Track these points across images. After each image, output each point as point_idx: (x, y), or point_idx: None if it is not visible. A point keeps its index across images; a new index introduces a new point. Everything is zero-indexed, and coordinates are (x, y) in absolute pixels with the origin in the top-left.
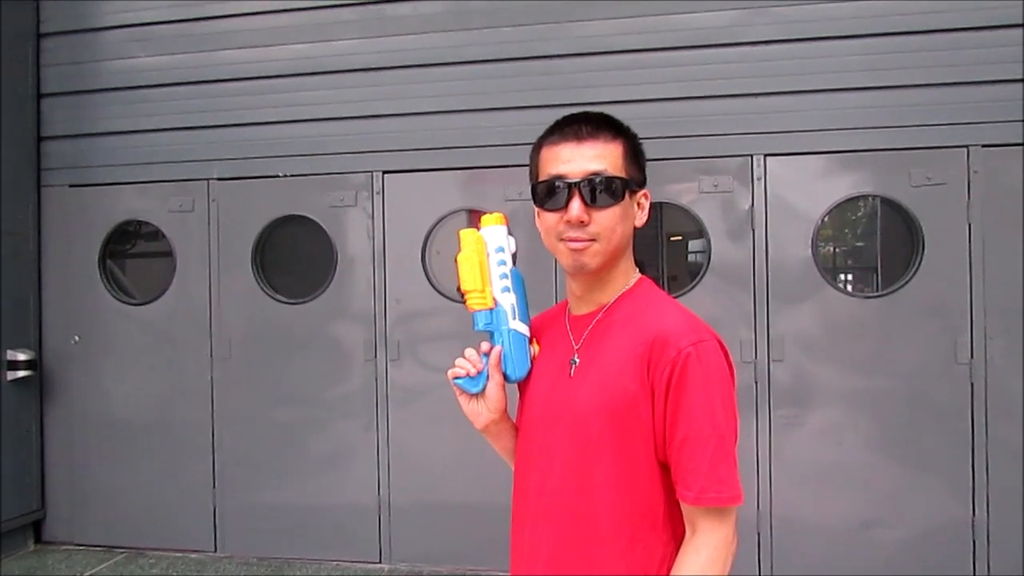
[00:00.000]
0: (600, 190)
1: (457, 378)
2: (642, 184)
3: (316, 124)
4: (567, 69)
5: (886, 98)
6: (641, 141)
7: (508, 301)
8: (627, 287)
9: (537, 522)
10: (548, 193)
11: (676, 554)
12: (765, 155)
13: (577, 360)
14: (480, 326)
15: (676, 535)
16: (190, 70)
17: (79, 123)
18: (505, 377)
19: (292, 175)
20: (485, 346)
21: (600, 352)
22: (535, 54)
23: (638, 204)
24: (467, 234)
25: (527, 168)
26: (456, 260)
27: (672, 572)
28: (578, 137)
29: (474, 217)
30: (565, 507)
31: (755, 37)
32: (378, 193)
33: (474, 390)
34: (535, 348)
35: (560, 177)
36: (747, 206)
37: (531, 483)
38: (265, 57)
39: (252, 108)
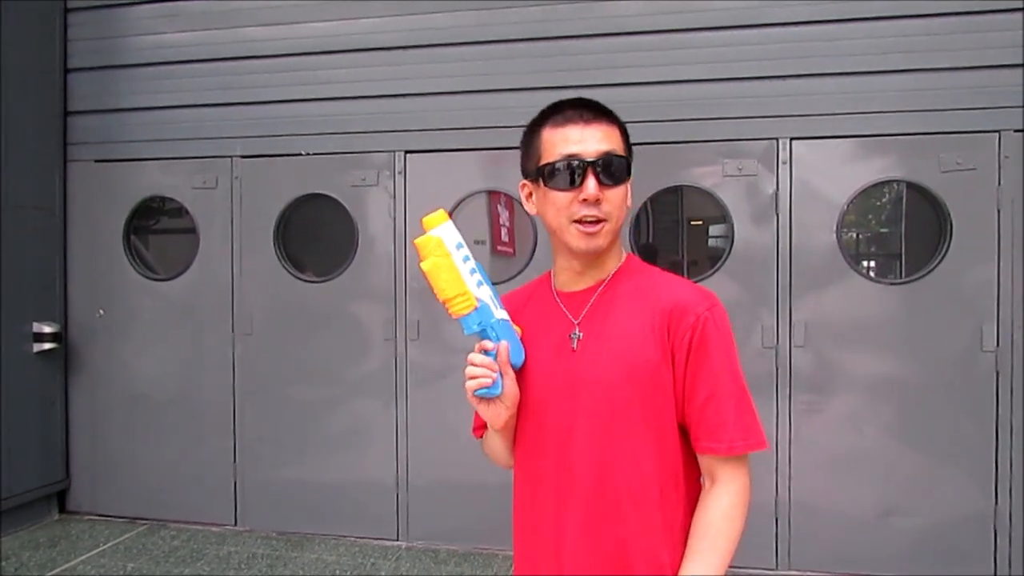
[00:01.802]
0: (612, 169)
1: (480, 390)
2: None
3: (339, 103)
4: (591, 49)
5: (915, 81)
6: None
7: (486, 294)
8: (620, 263)
9: (562, 497)
10: (560, 172)
11: (693, 508)
12: (791, 138)
13: (580, 334)
14: (472, 329)
15: (691, 491)
16: (215, 47)
17: (105, 99)
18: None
19: (315, 153)
20: (489, 344)
21: (610, 324)
22: (559, 34)
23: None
24: (425, 241)
25: (520, 153)
26: (424, 271)
27: (697, 519)
28: (584, 119)
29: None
30: (592, 478)
31: (782, 18)
32: (400, 173)
33: (496, 393)
34: (518, 329)
35: (575, 156)
36: (771, 190)
37: (547, 459)
38: (290, 35)
39: (276, 86)
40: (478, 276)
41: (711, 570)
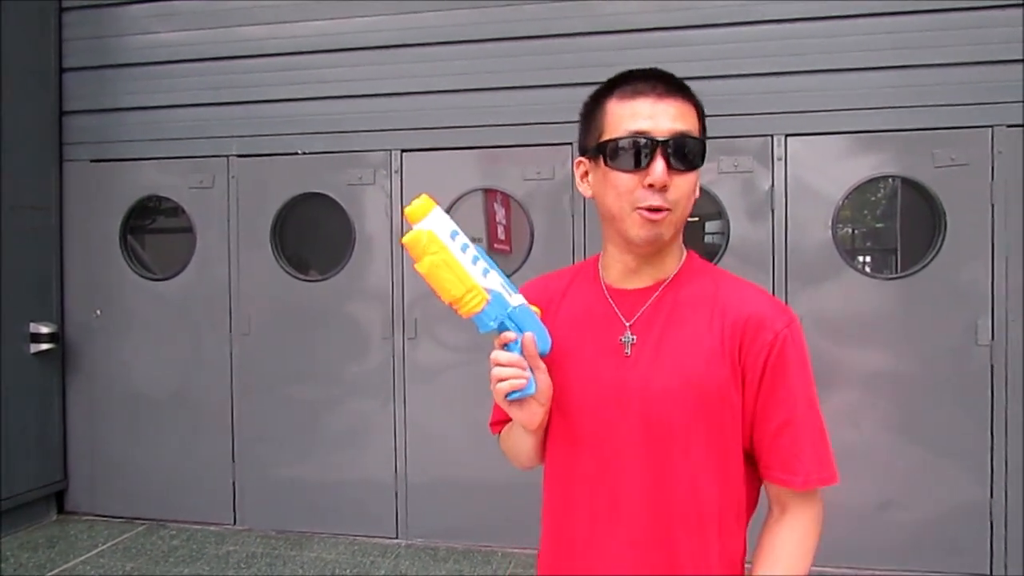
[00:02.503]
0: (684, 152)
1: (513, 392)
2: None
3: (335, 102)
4: (587, 47)
5: (909, 77)
6: None
7: (496, 282)
8: (681, 262)
9: (603, 511)
10: (625, 151)
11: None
12: (786, 135)
13: (633, 338)
14: (489, 327)
15: (747, 525)
16: (211, 46)
17: (101, 98)
18: None
19: (311, 152)
20: (511, 335)
21: (672, 332)
22: (555, 32)
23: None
24: (417, 237)
25: (579, 127)
26: (422, 274)
27: (766, 548)
28: (657, 93)
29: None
30: (644, 498)
31: (777, 16)
32: (396, 172)
33: (531, 392)
34: (536, 309)
35: (643, 134)
36: (767, 187)
37: (584, 468)
38: (285, 34)
39: (272, 85)
40: (482, 263)
41: None
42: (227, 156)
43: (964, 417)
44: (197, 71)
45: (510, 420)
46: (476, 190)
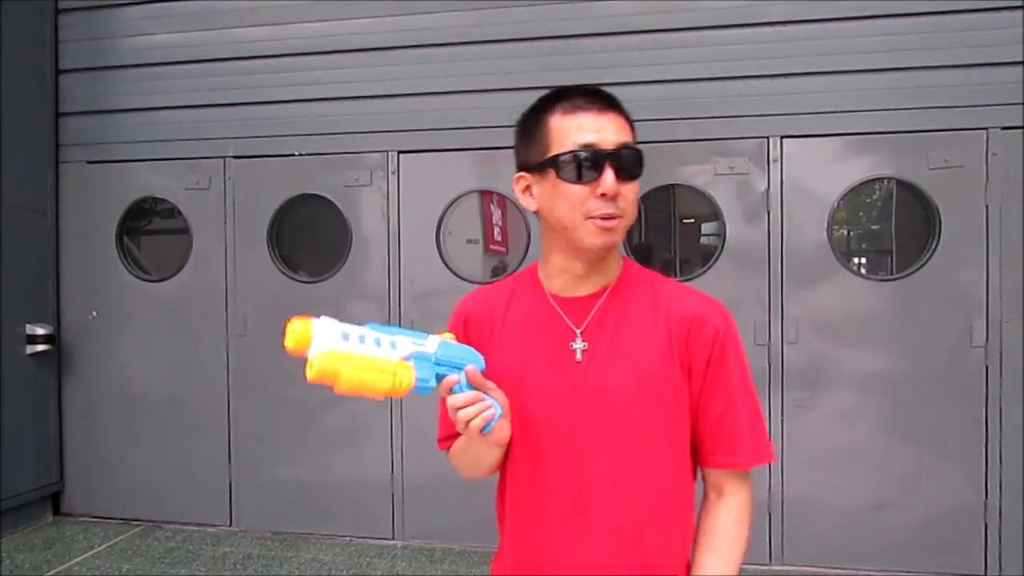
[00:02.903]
0: (631, 162)
1: (488, 423)
2: None
3: (332, 103)
4: (584, 49)
5: (904, 80)
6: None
7: (406, 345)
8: (620, 266)
9: (572, 512)
10: (577, 164)
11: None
12: (782, 137)
13: (584, 344)
14: (429, 388)
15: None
16: (207, 48)
17: (97, 100)
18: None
19: (308, 154)
20: (451, 379)
21: (622, 335)
22: (552, 34)
23: None
24: (319, 367)
25: (516, 144)
26: (347, 393)
27: (707, 530)
28: (597, 108)
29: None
30: (611, 497)
31: (773, 17)
32: (393, 173)
33: (500, 413)
34: (450, 336)
35: (592, 146)
36: (763, 188)
37: (550, 473)
38: (281, 35)
39: (269, 86)
40: (386, 339)
41: None
42: (223, 158)
43: (959, 418)
44: (193, 73)
45: (459, 435)
46: (472, 191)
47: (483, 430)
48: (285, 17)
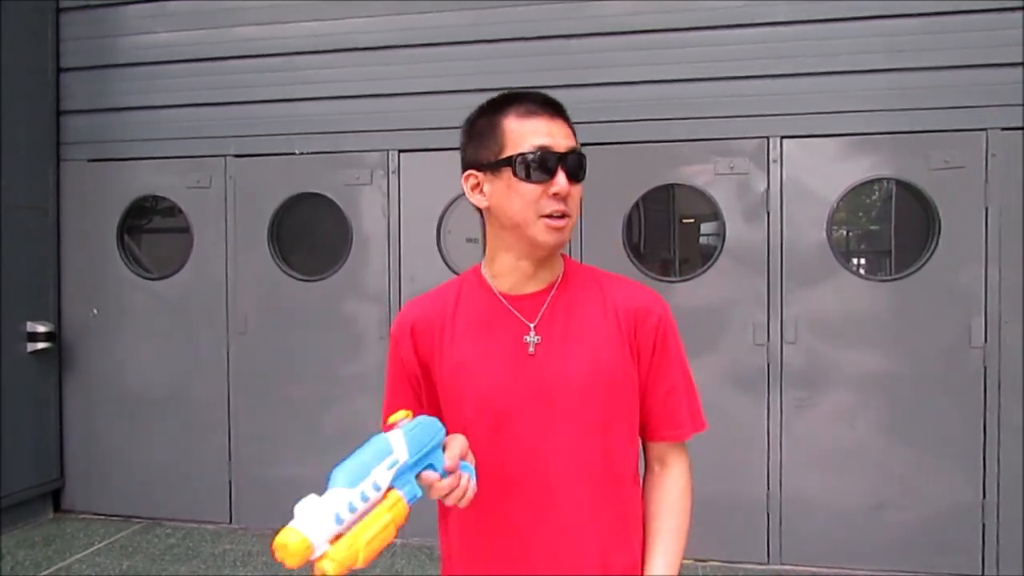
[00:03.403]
0: (579, 165)
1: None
2: None
3: (333, 102)
4: (583, 49)
5: (904, 80)
6: None
7: (382, 473)
8: (563, 263)
9: (543, 503)
10: (533, 165)
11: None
12: (782, 137)
13: (538, 338)
14: (419, 494)
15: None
16: (208, 46)
17: (98, 98)
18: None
19: (308, 153)
20: (430, 477)
21: (574, 326)
22: (551, 33)
23: None
24: (336, 560)
25: (464, 143)
26: (367, 562)
27: (661, 500)
28: (548, 113)
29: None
30: (576, 480)
31: (773, 18)
32: (393, 172)
33: (472, 473)
34: (403, 414)
35: (547, 149)
36: (763, 188)
37: (516, 468)
38: (283, 34)
39: (269, 85)
40: (366, 487)
41: (682, 545)
42: (224, 156)
43: (958, 418)
44: (194, 71)
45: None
46: None
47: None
48: (286, 16)
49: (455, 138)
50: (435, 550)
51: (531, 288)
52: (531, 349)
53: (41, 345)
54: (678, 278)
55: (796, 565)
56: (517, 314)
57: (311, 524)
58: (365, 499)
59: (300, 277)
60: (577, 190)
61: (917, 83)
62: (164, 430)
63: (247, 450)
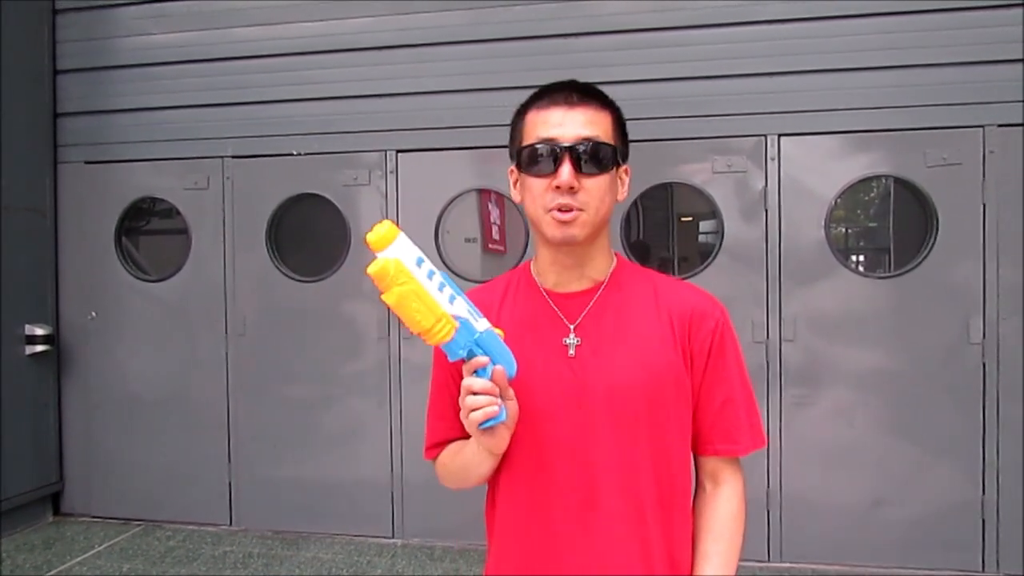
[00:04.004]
0: (591, 156)
1: (487, 421)
2: (626, 157)
3: (330, 103)
4: (581, 48)
5: (901, 78)
6: (626, 119)
7: (462, 308)
8: (614, 263)
9: (585, 510)
10: (535, 157)
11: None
12: (779, 135)
13: (577, 340)
14: (458, 355)
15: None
16: (205, 48)
17: (95, 100)
18: None
19: (306, 153)
20: (482, 359)
21: (624, 328)
22: (548, 32)
23: (620, 179)
24: (384, 268)
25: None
26: (390, 305)
27: (711, 519)
28: (569, 102)
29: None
30: (619, 489)
31: (770, 16)
32: (392, 172)
33: (503, 419)
34: (500, 332)
35: (550, 140)
36: (761, 186)
37: (556, 472)
38: (280, 35)
39: (267, 86)
40: (449, 290)
41: (731, 570)
42: (222, 157)
43: (956, 415)
44: (191, 72)
45: (449, 443)
46: (471, 190)
47: (481, 425)
48: (283, 17)
49: (453, 138)
50: (435, 550)
51: (577, 286)
52: (571, 351)
53: (40, 348)
54: (677, 276)
55: (796, 563)
56: (559, 313)
57: (403, 244)
58: (440, 288)
59: (298, 278)
60: (594, 182)
61: (914, 80)
62: (163, 432)
63: (247, 451)
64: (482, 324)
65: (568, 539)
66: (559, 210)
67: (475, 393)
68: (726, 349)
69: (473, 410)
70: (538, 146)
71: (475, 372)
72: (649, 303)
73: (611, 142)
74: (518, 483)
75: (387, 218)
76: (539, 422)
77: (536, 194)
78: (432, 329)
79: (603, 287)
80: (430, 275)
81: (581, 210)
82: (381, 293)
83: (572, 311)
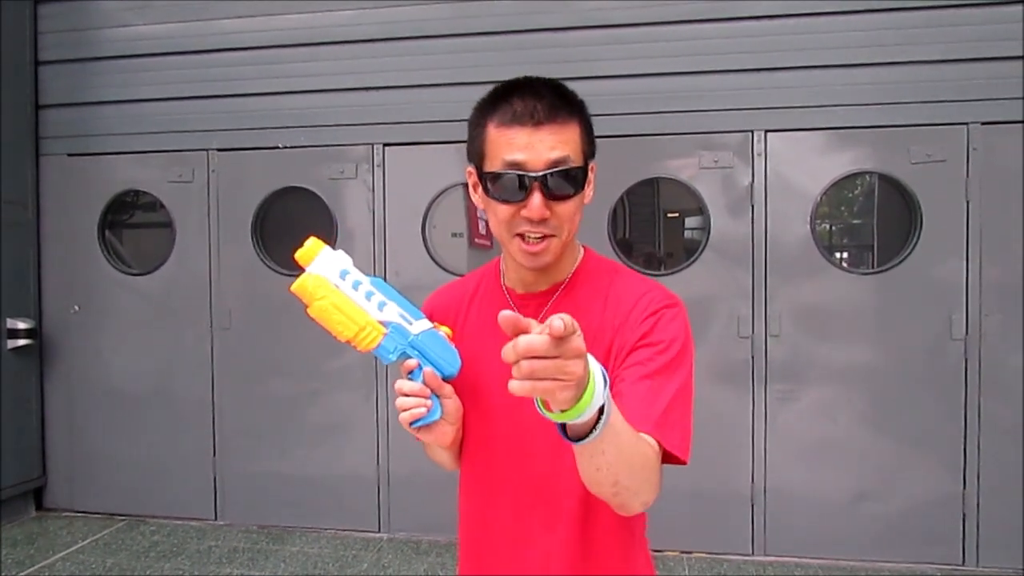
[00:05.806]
0: (562, 183)
1: (416, 421)
2: (593, 155)
3: (317, 95)
4: (567, 42)
5: (887, 75)
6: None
7: (394, 313)
8: (577, 261)
9: (530, 506)
10: (503, 184)
11: None
12: (766, 131)
13: None
14: (391, 359)
15: None
16: (189, 39)
17: (77, 92)
18: (445, 379)
19: (292, 147)
20: (412, 363)
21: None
22: (536, 27)
23: (588, 182)
24: (303, 284)
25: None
26: (313, 317)
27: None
28: (535, 120)
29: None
30: (563, 485)
31: (756, 12)
32: (378, 166)
33: (436, 417)
34: (446, 330)
35: (519, 166)
36: (747, 182)
37: (506, 468)
38: (265, 27)
39: (252, 79)
40: (378, 297)
41: (624, 429)
42: (207, 150)
43: (938, 410)
44: (176, 64)
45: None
46: (458, 185)
47: (412, 424)
48: (269, 9)
49: (440, 131)
50: (421, 544)
51: (536, 288)
52: None
53: (22, 342)
54: (663, 272)
55: (780, 556)
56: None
57: (327, 258)
58: (367, 297)
59: (284, 272)
60: (565, 207)
61: (899, 78)
62: (147, 426)
63: (232, 446)
64: (419, 326)
65: (510, 534)
66: (529, 238)
67: (405, 395)
68: (657, 335)
69: (403, 411)
70: (504, 175)
71: (410, 374)
72: (600, 300)
73: (581, 160)
74: (471, 478)
75: (372, 211)
76: (489, 420)
77: (502, 219)
78: (356, 337)
79: (562, 288)
80: (355, 285)
81: (552, 236)
82: (306, 308)
83: (530, 312)
